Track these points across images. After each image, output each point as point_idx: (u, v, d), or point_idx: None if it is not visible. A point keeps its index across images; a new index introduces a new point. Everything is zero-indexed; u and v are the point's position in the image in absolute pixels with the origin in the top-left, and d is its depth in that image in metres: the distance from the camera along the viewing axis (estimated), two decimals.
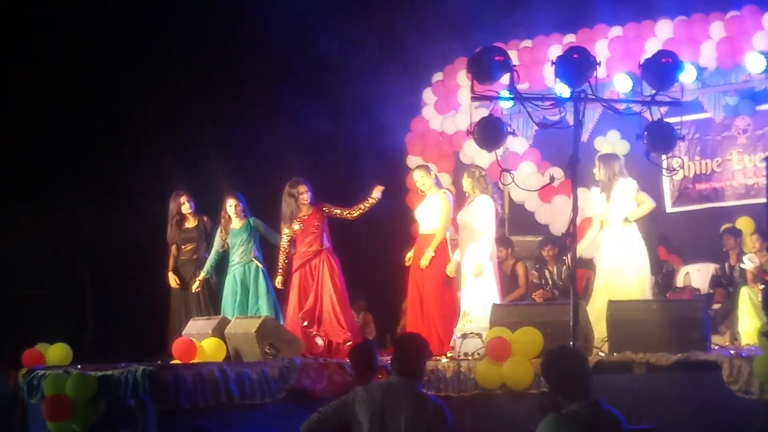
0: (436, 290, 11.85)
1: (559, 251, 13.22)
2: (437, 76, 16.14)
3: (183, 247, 13.05)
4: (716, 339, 11.51)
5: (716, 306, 12.50)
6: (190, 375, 9.42)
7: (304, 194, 12.17)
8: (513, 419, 9.48)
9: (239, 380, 9.71)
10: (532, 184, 14.28)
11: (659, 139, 8.90)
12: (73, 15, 17.01)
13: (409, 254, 12.09)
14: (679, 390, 9.26)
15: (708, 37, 13.79)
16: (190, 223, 13.05)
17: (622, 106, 9.70)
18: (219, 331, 11.07)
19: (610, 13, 14.71)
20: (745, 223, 13.46)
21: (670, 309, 10.16)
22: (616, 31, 14.49)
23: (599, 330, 10.32)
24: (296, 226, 12.14)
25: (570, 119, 8.77)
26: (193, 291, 12.72)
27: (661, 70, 8.67)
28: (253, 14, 17.11)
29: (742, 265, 12.45)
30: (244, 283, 12.51)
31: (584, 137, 13.60)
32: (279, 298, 12.64)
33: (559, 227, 14.37)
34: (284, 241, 12.27)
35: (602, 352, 10.01)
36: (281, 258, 12.29)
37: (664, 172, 10.49)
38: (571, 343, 8.06)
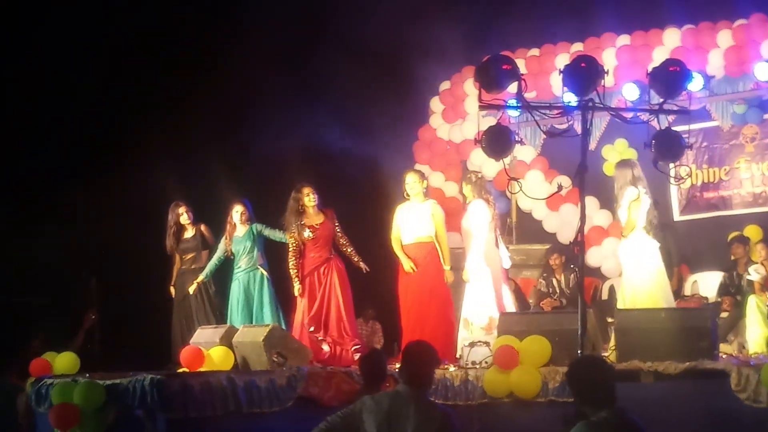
0: (440, 299, 11.86)
1: (567, 260, 13.20)
2: (445, 85, 16.16)
3: (183, 257, 13.11)
4: (724, 348, 11.49)
5: (724, 314, 12.47)
6: (198, 384, 9.41)
7: (311, 195, 12.15)
8: (520, 428, 9.47)
9: (247, 389, 9.69)
10: (540, 193, 14.28)
11: (667, 147, 8.91)
12: (73, 22, 17.03)
13: (410, 264, 12.01)
14: (687, 399, 9.23)
15: (716, 46, 13.80)
16: (189, 233, 13.10)
17: (629, 115, 9.70)
18: (227, 340, 11.07)
19: (618, 22, 14.73)
20: (752, 232, 13.45)
21: (678, 317, 10.13)
22: (623, 39, 14.50)
23: None
24: (307, 234, 12.11)
25: (578, 128, 8.78)
26: (191, 293, 12.74)
27: (668, 78, 8.68)
28: (256, 18, 17.14)
29: (748, 277, 12.42)
30: (248, 291, 12.53)
31: (592, 146, 13.62)
32: (284, 305, 12.66)
33: (566, 236, 14.36)
34: (292, 247, 12.24)
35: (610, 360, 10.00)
36: (292, 263, 12.23)
37: (672, 180, 10.49)
38: (579, 351, 8.06)
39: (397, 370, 6.91)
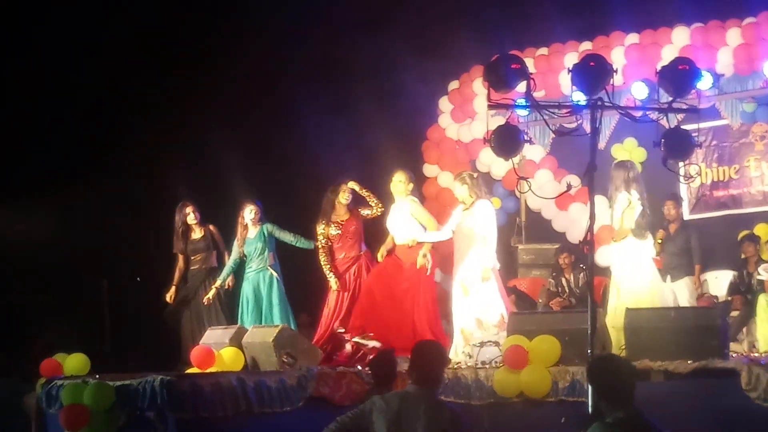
0: (431, 296, 11.88)
1: (576, 259, 13.18)
2: (453, 85, 16.15)
3: (192, 257, 13.08)
4: (734, 346, 11.47)
5: (734, 313, 12.44)
6: (208, 384, 9.41)
7: (345, 194, 12.19)
8: (530, 427, 9.46)
9: (257, 389, 9.70)
10: (549, 192, 14.25)
11: (676, 146, 8.88)
12: (82, 16, 17.05)
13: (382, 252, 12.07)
14: (697, 397, 9.21)
15: (725, 44, 13.79)
16: (197, 233, 13.07)
17: (638, 114, 9.68)
18: (236, 341, 11.08)
19: (627, 21, 14.72)
20: (763, 230, 13.42)
21: (688, 316, 10.12)
22: (632, 38, 14.49)
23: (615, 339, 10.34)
24: (333, 231, 12.17)
25: (587, 127, 8.76)
26: (205, 302, 12.73)
27: (677, 77, 8.65)
28: (264, 19, 17.16)
29: (758, 276, 12.40)
30: (258, 292, 12.54)
31: (601, 145, 13.61)
32: (294, 306, 12.69)
33: (575, 235, 14.35)
34: (321, 241, 12.29)
35: None
36: (323, 259, 12.28)
37: (682, 179, 10.47)
38: (588, 351, 8.04)
39: (406, 370, 6.88)
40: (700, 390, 9.25)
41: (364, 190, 12.32)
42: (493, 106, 9.30)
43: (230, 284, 12.91)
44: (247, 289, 12.61)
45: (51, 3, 17.16)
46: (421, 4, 16.96)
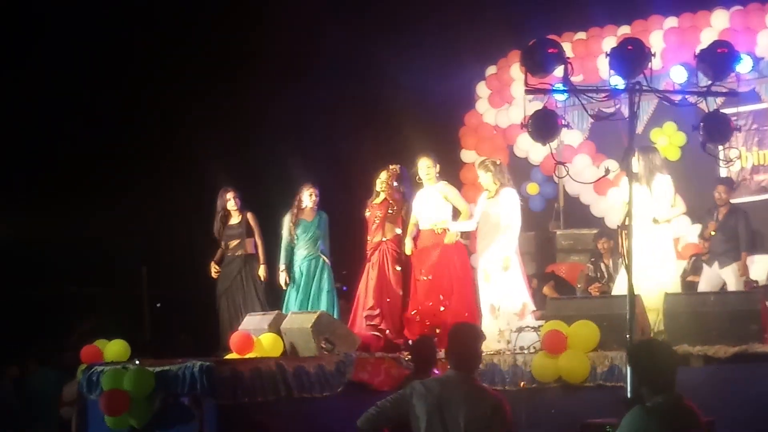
0: (461, 285, 11.88)
1: (615, 244, 13.13)
2: (491, 70, 16.11)
3: (227, 243, 13.10)
4: None
5: None
6: (248, 370, 9.47)
7: (383, 179, 12.20)
8: (568, 413, 9.45)
9: (296, 375, 9.75)
10: (587, 177, 14.19)
11: (715, 130, 8.81)
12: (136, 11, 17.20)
13: (410, 247, 12.06)
14: (737, 382, 9.18)
15: (765, 27, 13.69)
16: (235, 219, 13.08)
17: (677, 98, 9.62)
18: (275, 326, 11.12)
19: (665, 4, 14.64)
20: None
21: (727, 301, 10.09)
22: (671, 21, 14.40)
23: None
24: (366, 212, 12.22)
25: (625, 111, 8.73)
26: (283, 286, 12.70)
27: (717, 60, 8.59)
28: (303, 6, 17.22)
29: None
30: (308, 277, 12.53)
31: (639, 129, 13.54)
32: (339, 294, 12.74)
33: (614, 220, 14.28)
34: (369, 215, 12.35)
35: None
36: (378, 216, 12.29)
37: (721, 163, 10.42)
38: (627, 336, 8.02)
39: (445, 355, 6.86)
40: (740, 375, 9.23)
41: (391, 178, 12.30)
42: (530, 91, 9.25)
43: (265, 275, 12.92)
44: (298, 274, 12.60)
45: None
46: None
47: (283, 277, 12.61)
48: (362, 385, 10.08)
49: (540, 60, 8.61)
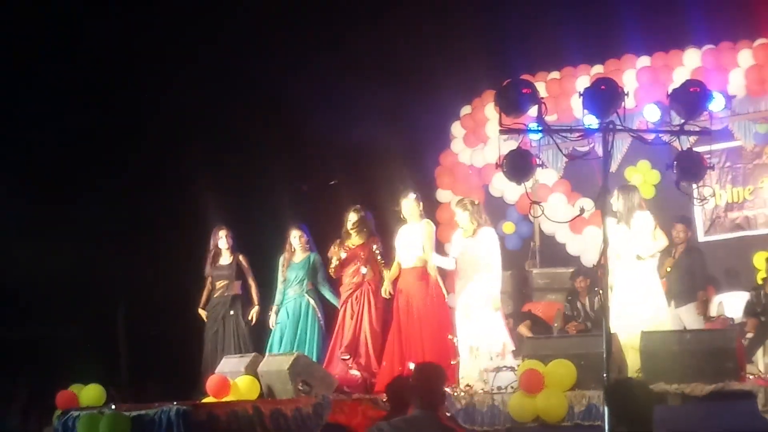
0: (436, 324, 11.86)
1: (591, 282, 13.16)
2: (465, 110, 16.15)
3: (216, 283, 13.05)
4: (750, 368, 11.41)
5: (750, 335, 12.39)
6: (224, 413, 9.44)
7: (353, 221, 12.24)
8: None
9: (274, 417, 9.74)
10: (563, 216, 14.23)
11: (689, 168, 8.84)
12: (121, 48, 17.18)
13: (385, 288, 12.10)
14: (715, 420, 9.19)
15: (736, 65, 13.77)
16: (225, 259, 13.04)
17: (651, 137, 9.64)
18: (252, 369, 11.07)
19: (638, 43, 14.72)
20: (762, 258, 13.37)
21: (703, 339, 10.10)
22: (643, 61, 14.48)
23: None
24: (342, 254, 12.21)
25: (599, 150, 8.76)
26: (271, 327, 12.66)
27: (689, 99, 8.63)
28: (277, 51, 17.26)
29: None
30: (295, 318, 12.51)
31: (613, 167, 13.58)
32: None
33: (590, 258, 14.31)
34: (333, 261, 12.38)
35: None
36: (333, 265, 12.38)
37: (696, 201, 10.46)
38: (604, 375, 8.01)
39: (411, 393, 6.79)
40: (717, 413, 9.22)
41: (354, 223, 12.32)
42: (504, 130, 9.27)
43: (256, 317, 12.90)
44: (284, 316, 12.58)
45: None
46: (432, 28, 17.00)
47: (272, 318, 12.60)
48: (339, 427, 10.05)
49: (514, 100, 8.64)
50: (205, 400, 10.66)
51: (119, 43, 17.15)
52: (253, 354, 11.75)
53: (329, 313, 12.82)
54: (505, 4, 16.93)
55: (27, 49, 16.98)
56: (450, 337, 11.71)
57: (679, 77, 13.34)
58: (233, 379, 10.87)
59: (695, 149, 9.17)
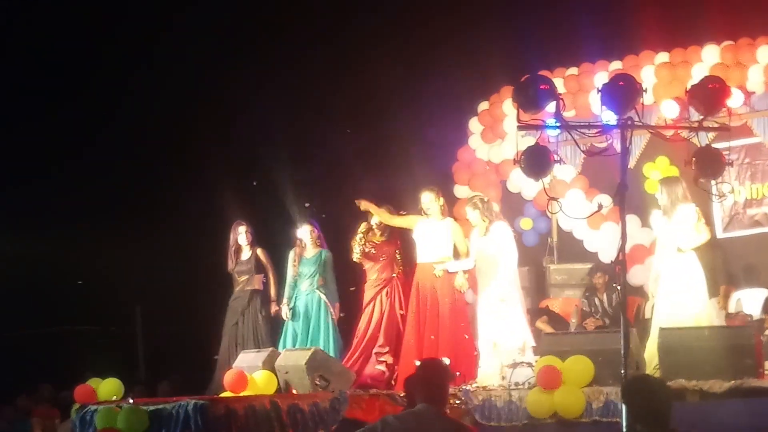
0: (458, 318, 11.86)
1: (609, 279, 13.13)
2: (483, 105, 16.13)
3: (238, 278, 13.08)
4: None
5: None
6: (242, 408, 9.44)
7: (377, 220, 12.32)
8: None
9: (291, 412, 9.73)
10: (581, 212, 14.20)
11: (708, 165, 8.84)
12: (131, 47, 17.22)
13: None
14: (733, 417, 9.16)
15: (755, 62, 13.72)
16: (245, 254, 13.07)
17: (669, 133, 9.65)
18: (269, 364, 11.09)
19: (656, 39, 14.67)
20: None
21: (722, 335, 10.08)
22: (662, 57, 14.44)
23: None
24: (367, 248, 12.24)
25: (617, 146, 8.74)
26: (286, 318, 12.70)
27: (708, 95, 8.62)
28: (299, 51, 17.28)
29: None
30: (307, 313, 12.55)
31: (632, 164, 13.56)
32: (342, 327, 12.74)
33: (608, 255, 14.28)
34: (356, 256, 12.42)
35: None
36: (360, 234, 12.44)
37: (714, 198, 10.42)
38: (622, 371, 8.00)
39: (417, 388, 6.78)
40: (736, 410, 9.20)
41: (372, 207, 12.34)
42: (522, 126, 9.28)
43: (274, 312, 12.93)
44: (296, 309, 12.62)
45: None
46: (451, 23, 16.98)
47: (285, 311, 12.63)
48: (357, 423, 10.04)
49: (532, 96, 8.63)
50: (222, 395, 10.67)
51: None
52: (270, 349, 11.76)
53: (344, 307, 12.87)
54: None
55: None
56: (466, 336, 11.74)
57: (697, 73, 13.31)
58: (251, 373, 10.89)
59: (714, 145, 9.17)
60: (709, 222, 12.87)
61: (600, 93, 8.51)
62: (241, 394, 10.43)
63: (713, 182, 9.51)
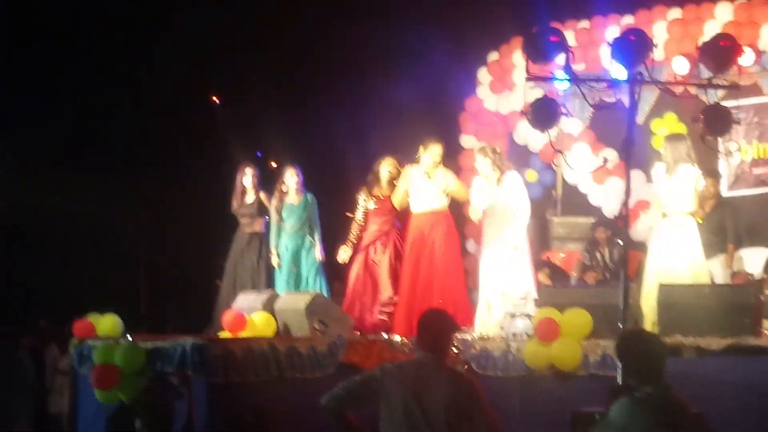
0: (453, 267, 11.91)
1: (612, 233, 13.12)
2: (493, 56, 16.07)
3: (240, 219, 13.08)
4: None
5: None
6: (240, 349, 9.46)
7: (388, 167, 12.27)
8: (560, 400, 9.44)
9: (288, 355, 9.75)
10: (586, 166, 14.18)
11: (716, 122, 8.82)
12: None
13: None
14: (729, 375, 9.18)
15: None
16: (249, 197, 13.04)
17: (678, 89, 9.62)
18: (269, 306, 11.10)
19: None
20: None
21: (722, 293, 10.08)
22: (674, 12, 14.37)
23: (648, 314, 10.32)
24: (371, 204, 12.22)
25: (626, 101, 8.72)
26: (275, 266, 12.72)
27: (719, 53, 8.58)
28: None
29: None
30: (296, 257, 12.57)
31: (640, 119, 13.51)
32: (328, 273, 12.73)
33: (611, 209, 14.28)
34: (359, 214, 12.40)
35: None
36: (354, 230, 12.42)
37: (720, 155, 10.40)
38: (620, 326, 8.03)
39: (416, 337, 6.75)
40: (732, 367, 9.22)
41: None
42: (531, 78, 9.26)
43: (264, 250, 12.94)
44: (284, 254, 12.64)
45: None
46: None
47: (275, 259, 12.65)
48: (354, 368, 10.08)
49: (542, 48, 8.60)
50: (220, 335, 10.70)
51: None
52: (270, 290, 11.77)
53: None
54: None
55: None
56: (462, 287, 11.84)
57: (709, 30, 13.24)
58: (249, 314, 10.90)
59: (723, 103, 9.14)
60: (716, 182, 12.85)
61: (611, 47, 8.48)
62: (240, 336, 10.45)
63: (720, 140, 9.49)
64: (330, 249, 12.69)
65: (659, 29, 14.01)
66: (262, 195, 13.04)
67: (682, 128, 14.01)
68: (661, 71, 12.61)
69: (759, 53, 13.54)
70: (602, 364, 9.52)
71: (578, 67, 11.89)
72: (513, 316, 10.86)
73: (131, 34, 17.58)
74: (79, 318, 11.25)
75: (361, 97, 16.97)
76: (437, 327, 6.62)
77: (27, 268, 18.55)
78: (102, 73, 17.74)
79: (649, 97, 14.04)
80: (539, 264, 13.84)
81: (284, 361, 9.66)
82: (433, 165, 11.90)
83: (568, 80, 9.13)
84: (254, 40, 17.71)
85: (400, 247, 12.21)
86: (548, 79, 9.31)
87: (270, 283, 12.69)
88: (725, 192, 14.37)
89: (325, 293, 12.27)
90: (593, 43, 14.47)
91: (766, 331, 10.22)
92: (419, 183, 11.98)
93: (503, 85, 15.80)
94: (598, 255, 13.23)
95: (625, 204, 8.54)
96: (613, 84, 8.97)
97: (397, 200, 12.12)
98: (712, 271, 12.29)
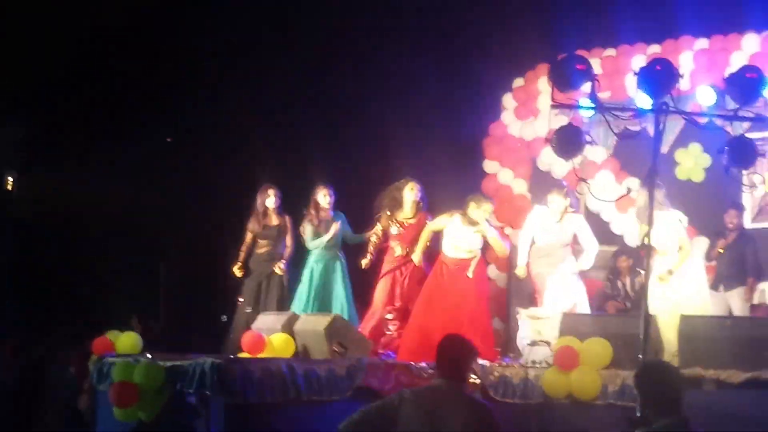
0: (475, 300, 11.89)
1: (634, 263, 13.09)
2: (518, 82, 16.06)
3: (260, 241, 12.96)
4: None
5: None
6: (259, 369, 9.45)
7: (413, 191, 12.24)
8: (578, 429, 9.42)
9: (307, 377, 9.73)
10: (609, 194, 14.13)
11: (740, 154, 8.79)
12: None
13: (418, 257, 12.11)
14: (749, 408, 9.14)
15: None
16: (273, 220, 12.92)
17: (703, 120, 9.58)
18: (288, 327, 11.09)
19: (697, 25, 14.54)
20: None
21: (743, 326, 10.04)
22: (701, 43, 14.33)
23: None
24: (394, 230, 12.18)
25: (651, 130, 8.70)
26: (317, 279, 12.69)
27: (745, 84, 8.56)
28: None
29: None
30: (323, 278, 12.52)
31: (665, 149, 13.45)
32: (356, 293, 12.72)
33: (634, 238, 14.22)
34: (377, 231, 12.40)
35: None
36: (373, 240, 12.40)
37: (745, 188, 10.36)
38: (640, 356, 7.98)
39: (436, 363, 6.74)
40: (752, 401, 9.17)
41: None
42: (556, 105, 9.24)
43: (282, 269, 12.85)
44: (309, 275, 12.59)
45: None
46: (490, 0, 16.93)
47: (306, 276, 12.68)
48: (371, 391, 10.06)
49: (568, 75, 8.60)
50: (239, 356, 10.70)
51: None
52: (290, 312, 11.74)
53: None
54: None
55: None
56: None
57: (736, 62, 13.20)
58: (269, 335, 10.90)
59: (748, 135, 9.10)
60: (739, 214, 12.81)
61: (636, 76, 8.47)
62: (259, 356, 10.45)
63: (744, 172, 9.46)
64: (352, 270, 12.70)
65: (685, 59, 13.97)
66: (287, 218, 12.93)
67: (706, 159, 13.99)
68: (686, 101, 12.58)
69: None
70: (621, 394, 9.49)
71: (603, 95, 11.88)
72: (533, 343, 10.84)
73: (172, 39, 17.65)
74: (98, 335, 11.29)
75: (386, 120, 16.96)
76: (456, 353, 6.61)
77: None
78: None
79: (673, 126, 13.98)
80: None
81: (302, 382, 9.64)
82: (482, 222, 11.89)
83: (593, 108, 9.11)
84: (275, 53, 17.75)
85: (424, 274, 12.18)
86: (573, 106, 9.30)
87: (290, 303, 12.64)
88: (748, 224, 14.31)
89: (354, 312, 12.27)
90: (619, 71, 14.43)
91: None
92: (459, 231, 11.92)
93: (528, 111, 15.78)
94: (619, 284, 13.21)
95: (647, 233, 8.51)
96: (638, 113, 8.95)
97: (417, 257, 12.10)
98: (732, 302, 12.26)
